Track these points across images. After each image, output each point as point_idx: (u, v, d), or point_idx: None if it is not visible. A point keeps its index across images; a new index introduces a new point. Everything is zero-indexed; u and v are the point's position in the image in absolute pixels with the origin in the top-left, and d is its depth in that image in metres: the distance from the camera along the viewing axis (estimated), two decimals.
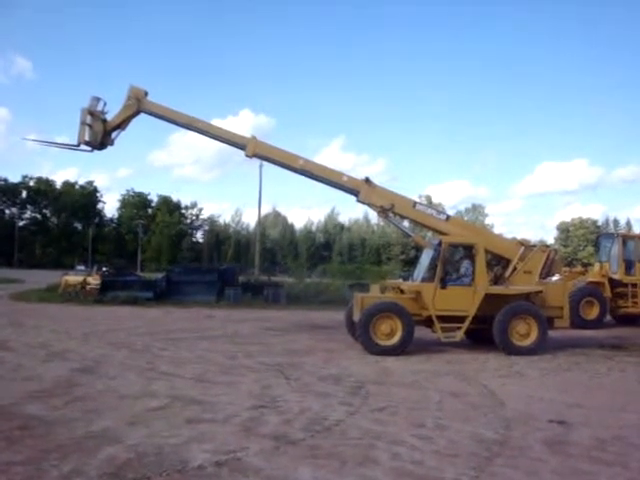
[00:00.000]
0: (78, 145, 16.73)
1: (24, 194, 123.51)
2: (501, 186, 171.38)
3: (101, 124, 16.47)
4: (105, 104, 16.63)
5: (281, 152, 16.18)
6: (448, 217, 15.77)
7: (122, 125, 16.84)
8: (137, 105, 16.38)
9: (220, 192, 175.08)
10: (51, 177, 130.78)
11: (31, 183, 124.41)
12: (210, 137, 16.73)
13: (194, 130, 16.60)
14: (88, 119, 16.34)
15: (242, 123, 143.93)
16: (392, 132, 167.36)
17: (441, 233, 14.92)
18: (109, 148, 17.21)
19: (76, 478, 5.27)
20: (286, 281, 35.04)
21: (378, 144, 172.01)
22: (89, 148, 16.83)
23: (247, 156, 16.30)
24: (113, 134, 16.92)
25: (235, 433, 6.81)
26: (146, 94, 16.49)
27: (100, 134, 16.46)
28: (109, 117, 16.65)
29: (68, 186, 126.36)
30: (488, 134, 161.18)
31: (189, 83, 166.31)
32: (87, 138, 16.44)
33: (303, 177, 16.05)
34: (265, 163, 17.19)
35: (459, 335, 13.98)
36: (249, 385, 9.63)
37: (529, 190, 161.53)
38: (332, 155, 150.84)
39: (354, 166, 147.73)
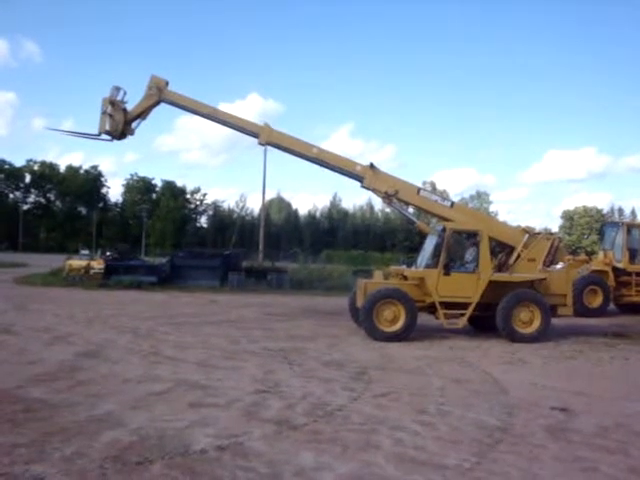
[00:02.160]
0: (99, 135, 16.74)
1: (28, 178, 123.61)
2: (508, 173, 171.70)
3: (122, 114, 16.43)
4: (125, 93, 16.59)
5: (295, 141, 16.10)
6: (452, 204, 15.71)
7: (143, 115, 16.83)
8: (158, 95, 16.35)
9: (227, 177, 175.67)
10: (58, 161, 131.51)
11: (35, 167, 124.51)
12: (228, 126, 16.66)
13: (214, 120, 16.59)
14: (109, 109, 16.30)
15: (250, 107, 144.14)
16: (401, 119, 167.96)
17: (445, 220, 14.86)
18: (129, 137, 17.22)
19: (79, 460, 5.29)
20: (290, 266, 35.01)
21: (387, 131, 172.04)
22: (109, 137, 16.82)
23: (260, 144, 16.33)
24: (134, 124, 16.90)
25: (237, 418, 6.83)
26: (167, 84, 16.44)
27: (121, 124, 16.43)
28: (129, 107, 16.63)
29: (72, 170, 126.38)
30: (496, 121, 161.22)
31: (198, 66, 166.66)
32: (108, 128, 16.42)
33: (314, 165, 16.01)
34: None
35: (462, 322, 13.99)
36: (252, 370, 9.65)
37: (536, 178, 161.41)
38: (341, 141, 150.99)
39: (362, 152, 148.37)
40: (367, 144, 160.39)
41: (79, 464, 5.22)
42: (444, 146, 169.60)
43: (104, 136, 16.74)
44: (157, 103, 16.63)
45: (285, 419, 6.79)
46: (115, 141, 17.08)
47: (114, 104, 16.30)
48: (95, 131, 16.78)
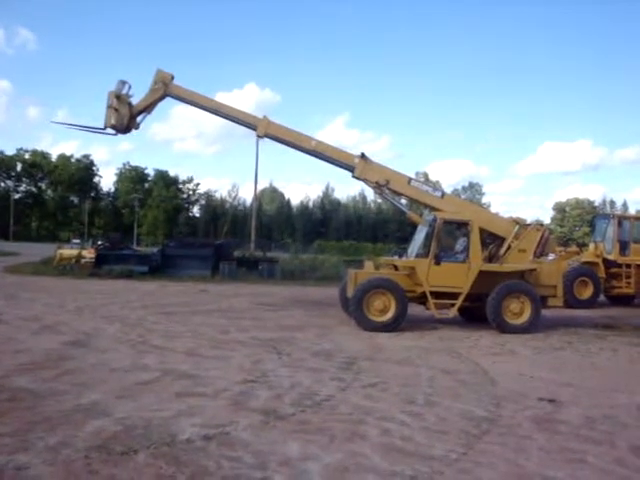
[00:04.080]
0: (104, 128, 16.60)
1: (19, 167, 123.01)
2: (503, 165, 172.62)
3: (127, 108, 16.27)
4: (130, 87, 16.45)
5: (293, 133, 16.01)
6: (443, 194, 15.69)
7: (148, 109, 16.70)
8: (164, 89, 16.21)
9: (221, 166, 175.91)
10: (52, 150, 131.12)
11: (26, 156, 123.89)
12: (229, 119, 16.54)
13: (217, 114, 16.50)
14: (115, 102, 16.14)
15: (248, 97, 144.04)
16: (397, 110, 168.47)
17: (436, 210, 14.84)
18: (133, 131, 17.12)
19: (63, 450, 5.25)
20: (281, 256, 34.98)
21: (383, 121, 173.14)
22: (114, 132, 16.72)
23: (258, 136, 16.27)
24: (139, 118, 16.77)
25: (225, 407, 6.80)
26: (172, 78, 16.33)
27: (126, 118, 16.26)
28: (134, 101, 16.49)
29: (64, 159, 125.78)
30: (493, 113, 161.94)
31: (197, 56, 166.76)
32: (113, 121, 16.26)
33: (310, 157, 15.95)
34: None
35: (452, 312, 14.00)
36: (241, 360, 9.62)
37: (531, 170, 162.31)
38: (336, 131, 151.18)
39: (358, 142, 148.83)
40: (363, 134, 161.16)
41: (64, 454, 5.18)
42: (440, 137, 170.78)
43: (109, 130, 16.62)
44: (163, 97, 16.51)
45: (272, 409, 6.76)
46: (120, 135, 17.02)
47: (120, 98, 16.15)
48: (97, 123, 16.70)
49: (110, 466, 4.97)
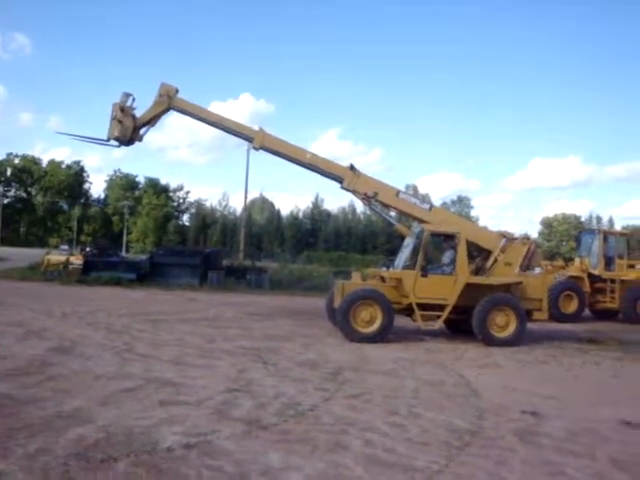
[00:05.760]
0: (108, 140, 16.64)
1: (9, 172, 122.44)
2: (493, 179, 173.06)
3: (131, 120, 16.32)
4: (134, 100, 16.50)
5: (289, 146, 16.14)
6: (431, 207, 15.79)
7: (152, 121, 16.78)
8: (168, 102, 16.28)
9: (213, 175, 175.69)
10: (44, 156, 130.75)
11: (16, 161, 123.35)
12: (228, 132, 16.65)
13: (218, 127, 16.60)
14: (119, 115, 16.18)
15: (242, 107, 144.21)
16: (389, 123, 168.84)
17: (424, 222, 14.91)
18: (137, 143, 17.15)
19: (42, 457, 5.21)
20: (270, 266, 34.93)
21: (375, 134, 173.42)
22: (117, 143, 16.78)
23: (254, 148, 16.41)
24: (142, 130, 16.82)
25: (207, 416, 6.78)
26: (177, 91, 16.40)
27: (130, 130, 16.33)
28: (138, 113, 16.52)
29: (54, 165, 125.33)
30: (484, 128, 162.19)
31: (191, 65, 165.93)
32: (117, 133, 16.30)
33: (305, 169, 16.03)
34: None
35: (438, 323, 14.05)
36: (226, 369, 9.60)
37: (521, 185, 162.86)
38: (329, 143, 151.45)
39: (350, 155, 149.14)
40: (355, 147, 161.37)
41: (42, 461, 5.14)
42: (431, 151, 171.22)
43: (112, 142, 16.68)
44: (167, 110, 16.60)
45: (255, 418, 6.75)
46: (123, 147, 17.08)
47: (124, 110, 16.18)
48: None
49: (89, 474, 4.94)
